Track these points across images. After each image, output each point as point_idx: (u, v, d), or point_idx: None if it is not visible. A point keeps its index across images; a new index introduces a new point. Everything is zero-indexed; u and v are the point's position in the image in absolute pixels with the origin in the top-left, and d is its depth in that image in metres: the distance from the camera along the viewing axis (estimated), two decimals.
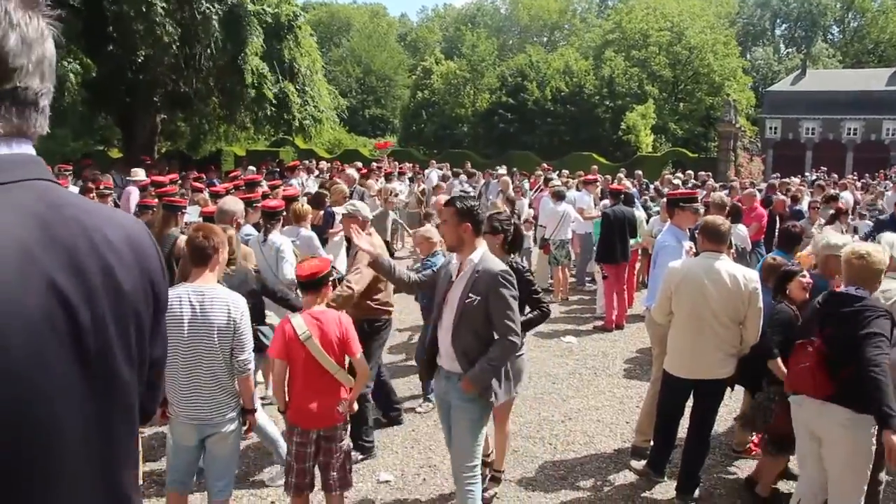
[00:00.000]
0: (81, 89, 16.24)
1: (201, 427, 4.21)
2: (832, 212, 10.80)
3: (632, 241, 10.54)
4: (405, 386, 7.73)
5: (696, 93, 52.69)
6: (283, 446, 5.14)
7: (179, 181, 13.60)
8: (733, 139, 36.82)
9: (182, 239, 6.15)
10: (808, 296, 5.18)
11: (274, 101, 21.80)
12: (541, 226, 12.57)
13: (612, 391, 7.86)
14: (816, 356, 4.20)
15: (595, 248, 10.99)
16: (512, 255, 5.37)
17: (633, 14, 54.65)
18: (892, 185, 22.16)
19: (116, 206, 12.55)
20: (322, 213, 9.48)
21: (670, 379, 5.44)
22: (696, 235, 5.71)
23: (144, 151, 21.91)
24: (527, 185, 17.10)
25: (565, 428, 6.82)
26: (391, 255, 10.67)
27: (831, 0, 72.91)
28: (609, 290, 10.40)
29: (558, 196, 12.12)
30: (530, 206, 13.96)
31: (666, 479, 5.69)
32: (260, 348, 5.08)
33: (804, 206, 13.08)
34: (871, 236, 8.84)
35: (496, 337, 4.25)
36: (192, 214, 8.89)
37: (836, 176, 27.06)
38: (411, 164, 26.34)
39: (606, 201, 11.55)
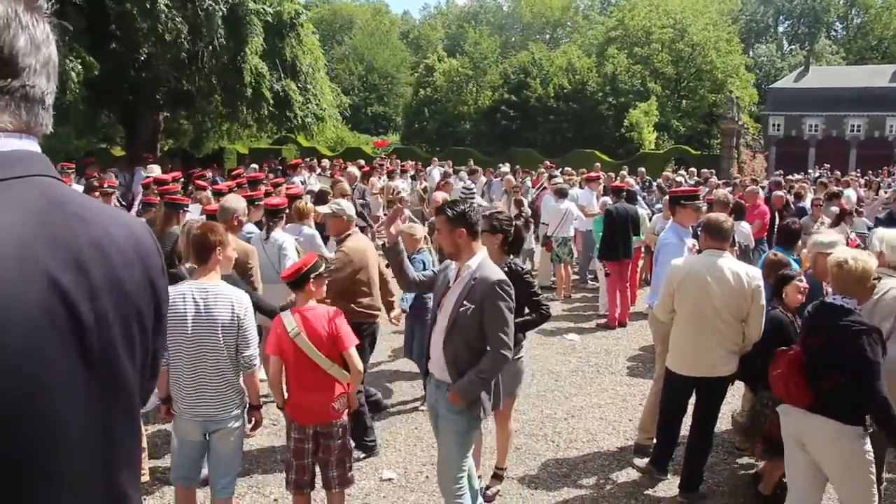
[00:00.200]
0: (83, 87, 16.24)
1: (206, 423, 4.24)
2: (837, 212, 10.77)
3: (634, 239, 10.53)
4: (408, 385, 7.73)
5: (698, 90, 52.62)
6: None
7: (183, 179, 13.60)
8: (736, 136, 36.76)
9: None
10: (804, 300, 5.17)
11: (271, 101, 21.79)
12: (543, 223, 12.56)
13: (615, 389, 7.86)
14: (790, 364, 4.14)
15: (598, 245, 10.97)
16: (511, 256, 5.22)
17: (635, 11, 54.58)
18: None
19: (120, 204, 12.59)
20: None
21: (673, 377, 5.44)
22: (699, 233, 5.71)
23: (147, 149, 21.94)
24: (529, 183, 17.10)
25: (568, 425, 6.82)
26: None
27: None
28: (612, 288, 10.39)
29: (561, 193, 12.11)
30: (533, 203, 13.92)
31: (669, 476, 5.69)
32: None
33: (807, 203, 13.06)
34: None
35: (488, 349, 4.08)
36: (193, 212, 8.90)
37: (838, 173, 27.01)
38: (413, 162, 26.34)
39: (607, 198, 11.53)
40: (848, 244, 5.90)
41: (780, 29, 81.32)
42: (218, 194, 9.30)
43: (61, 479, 1.14)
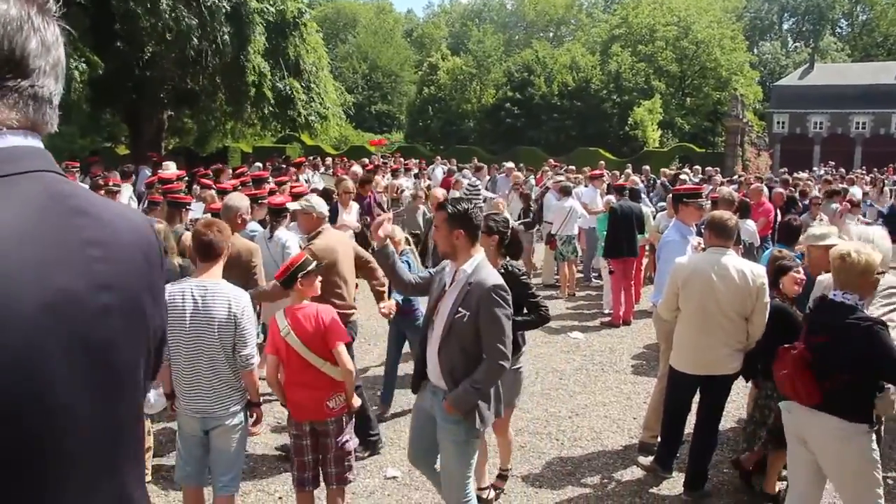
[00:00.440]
0: (88, 86, 16.28)
1: (204, 419, 4.26)
2: (838, 209, 10.75)
3: (639, 237, 10.52)
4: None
5: (703, 88, 52.53)
6: None
7: (187, 178, 13.62)
8: (740, 134, 36.72)
9: (187, 235, 6.16)
10: (800, 291, 5.21)
11: (273, 100, 21.80)
12: (546, 222, 12.57)
13: (620, 387, 7.85)
14: (796, 362, 4.03)
15: (602, 243, 10.97)
16: (507, 258, 5.11)
17: (639, 9, 54.49)
18: None
19: (139, 200, 12.60)
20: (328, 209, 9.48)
21: (676, 375, 5.43)
22: (703, 231, 5.70)
23: (151, 148, 21.98)
24: (532, 181, 17.07)
25: (572, 424, 6.82)
26: (424, 249, 10.63)
27: None
28: (616, 286, 10.38)
29: (565, 191, 12.13)
30: (536, 202, 13.90)
31: (674, 474, 5.68)
32: None
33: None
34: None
35: (484, 358, 3.90)
36: (197, 211, 8.91)
37: (843, 170, 26.95)
38: (417, 160, 26.34)
39: (611, 197, 11.54)
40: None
41: (785, 26, 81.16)
42: (222, 193, 9.31)
43: (69, 474, 1.14)
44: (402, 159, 24.45)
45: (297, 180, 13.83)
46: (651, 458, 5.88)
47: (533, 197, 13.78)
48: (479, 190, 16.16)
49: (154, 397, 4.78)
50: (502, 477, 5.49)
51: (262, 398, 4.63)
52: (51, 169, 1.21)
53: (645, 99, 45.79)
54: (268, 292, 5.49)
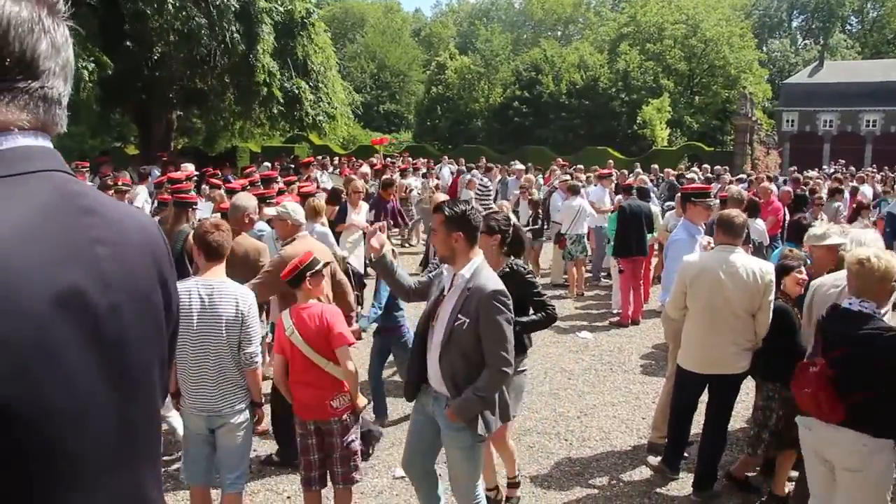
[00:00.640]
0: (97, 86, 16.35)
1: (209, 418, 4.28)
2: (846, 208, 10.72)
3: (648, 236, 10.49)
4: None
5: (711, 86, 52.32)
6: None
7: (196, 177, 13.66)
8: (749, 132, 36.59)
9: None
10: (802, 291, 5.15)
11: (282, 100, 21.84)
12: (554, 222, 12.55)
13: (628, 387, 7.83)
14: (819, 380, 3.81)
15: (612, 242, 10.95)
16: (511, 258, 5.02)
17: (647, 7, 54.30)
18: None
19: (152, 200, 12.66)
20: (337, 208, 9.51)
21: (683, 374, 5.42)
22: (714, 229, 5.69)
23: (161, 148, 22.08)
24: (541, 181, 17.05)
25: (581, 424, 6.81)
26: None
27: None
28: (625, 286, 10.35)
29: (573, 190, 12.12)
30: (544, 202, 13.87)
31: (683, 474, 5.67)
32: None
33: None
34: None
35: (487, 364, 3.83)
36: (206, 210, 8.93)
37: (853, 169, 26.82)
38: (425, 160, 26.34)
39: (622, 196, 11.53)
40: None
41: (794, 24, 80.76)
42: (231, 193, 9.33)
43: (80, 471, 1.15)
44: (409, 159, 24.45)
45: (308, 179, 13.87)
46: (659, 459, 5.87)
47: (541, 197, 13.73)
48: (490, 191, 16.19)
49: None
50: (513, 485, 5.38)
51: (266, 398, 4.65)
52: (60, 168, 1.22)
53: (653, 97, 45.63)
54: (263, 284, 5.38)
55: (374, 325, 6.67)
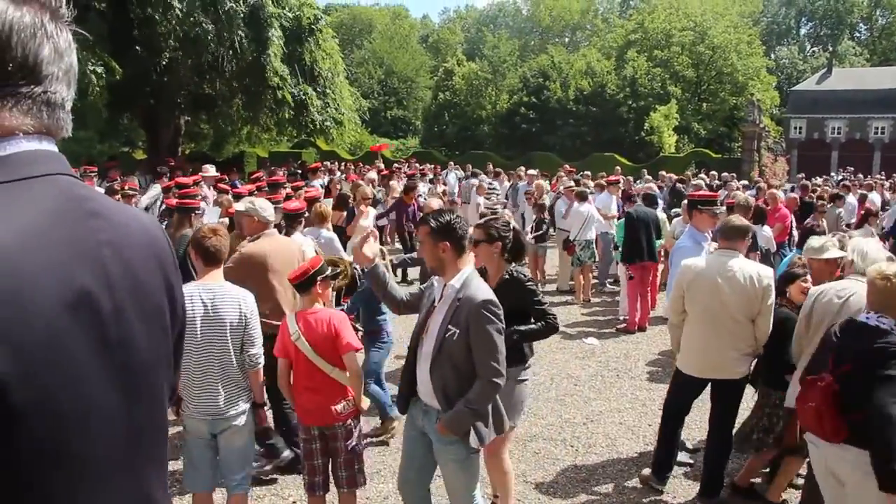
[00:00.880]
0: (105, 91, 16.42)
1: (214, 422, 4.28)
2: (842, 213, 10.73)
3: (657, 242, 10.47)
4: None
5: (719, 93, 52.32)
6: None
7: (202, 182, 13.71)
8: (757, 139, 36.49)
9: None
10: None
11: (292, 105, 21.89)
12: (559, 229, 12.54)
13: (635, 393, 7.81)
14: (823, 396, 3.69)
15: (620, 248, 10.92)
16: (513, 264, 4.90)
17: (655, 14, 54.38)
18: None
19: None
20: (345, 213, 9.53)
21: (682, 377, 5.42)
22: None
23: (168, 153, 22.17)
24: (547, 187, 17.03)
25: (587, 430, 6.79)
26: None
27: None
28: (633, 292, 10.33)
29: (582, 197, 12.14)
30: (550, 208, 13.84)
31: (689, 482, 5.64)
32: None
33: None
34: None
35: (478, 375, 3.73)
36: (214, 215, 8.95)
37: (861, 176, 26.73)
38: (432, 165, 26.38)
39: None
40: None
41: (803, 31, 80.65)
42: (238, 198, 9.35)
43: (85, 473, 1.16)
44: (416, 164, 24.49)
45: (335, 180, 13.90)
46: (683, 464, 5.85)
47: (547, 203, 13.70)
48: (497, 193, 16.24)
49: None
50: None
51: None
52: (65, 172, 1.23)
53: (661, 104, 45.65)
54: (232, 268, 5.17)
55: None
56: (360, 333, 6.25)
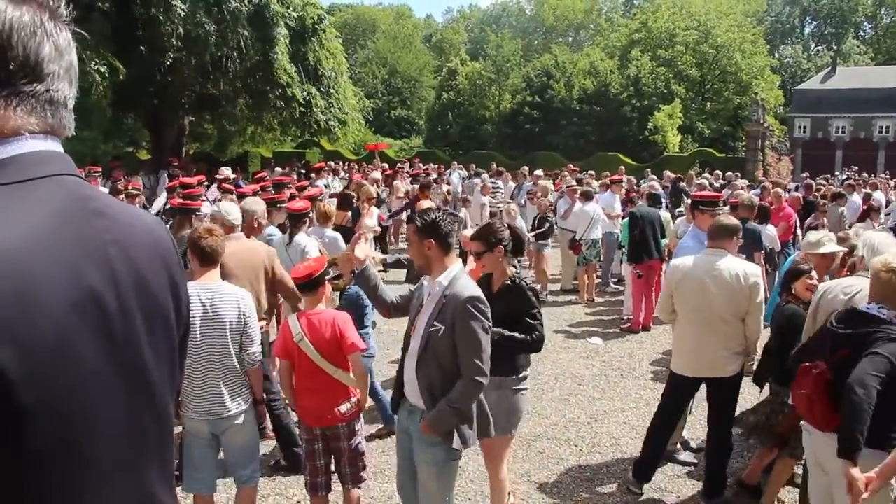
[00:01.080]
0: (110, 91, 16.45)
1: (216, 422, 4.28)
2: (844, 212, 10.72)
3: (663, 241, 10.45)
4: None
5: (723, 92, 52.21)
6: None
7: (207, 182, 13.76)
8: (761, 138, 36.45)
9: None
10: (812, 296, 4.99)
11: (301, 101, 21.90)
12: (562, 229, 12.53)
13: (639, 393, 7.80)
14: (816, 383, 3.71)
15: (625, 248, 10.92)
16: (517, 263, 4.81)
17: (659, 13, 54.27)
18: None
19: (145, 207, 12.73)
20: (349, 213, 9.53)
21: (675, 377, 5.43)
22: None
23: (172, 153, 22.20)
24: (551, 186, 17.03)
25: (591, 430, 6.79)
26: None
27: None
28: (637, 292, 10.31)
29: (587, 196, 12.15)
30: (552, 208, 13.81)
31: (692, 481, 5.63)
32: None
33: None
34: None
35: (462, 373, 3.69)
36: None
37: (866, 175, 26.68)
38: (436, 165, 26.39)
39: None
40: None
41: (807, 30, 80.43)
42: (242, 198, 9.36)
43: (88, 473, 1.17)
44: (420, 164, 24.50)
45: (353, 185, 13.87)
46: (681, 463, 5.85)
47: (550, 202, 13.68)
48: (501, 191, 16.26)
49: None
50: None
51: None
52: (71, 172, 1.24)
53: (665, 103, 45.56)
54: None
55: None
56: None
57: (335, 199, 10.31)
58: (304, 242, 6.81)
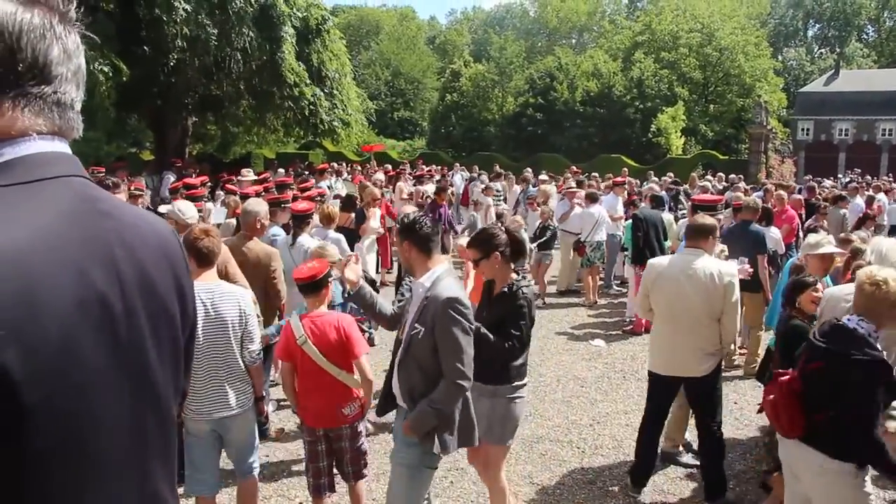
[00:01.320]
0: (114, 92, 16.47)
1: (219, 421, 4.30)
2: (846, 215, 10.72)
3: (666, 243, 10.45)
4: None
5: (726, 94, 52.18)
6: None
7: (210, 183, 13.78)
8: (764, 141, 36.36)
9: None
10: (816, 309, 4.90)
11: (309, 100, 21.91)
12: (562, 230, 12.51)
13: (641, 395, 7.73)
14: (782, 391, 3.70)
15: (629, 250, 10.91)
16: (518, 275, 4.64)
17: (662, 16, 54.27)
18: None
19: (148, 209, 12.75)
20: (353, 215, 9.54)
21: (653, 377, 5.46)
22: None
23: (175, 154, 22.19)
24: (554, 189, 17.03)
25: (593, 432, 6.78)
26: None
27: None
28: None
29: (592, 198, 12.16)
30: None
31: (696, 482, 5.62)
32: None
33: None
34: None
35: (444, 375, 3.64)
36: (220, 216, 8.97)
37: (869, 178, 26.64)
38: (439, 167, 26.41)
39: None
40: None
41: (810, 32, 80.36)
42: (245, 198, 9.38)
43: (92, 472, 1.17)
44: (423, 166, 24.52)
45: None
46: (689, 466, 5.85)
47: (551, 209, 13.64)
48: (500, 195, 16.25)
49: None
50: None
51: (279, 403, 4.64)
52: (78, 173, 1.25)
53: (668, 106, 45.55)
54: None
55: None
56: (367, 335, 6.27)
57: (338, 201, 10.33)
58: (307, 244, 6.82)
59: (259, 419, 4.66)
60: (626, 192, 13.98)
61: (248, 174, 14.42)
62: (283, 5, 20.28)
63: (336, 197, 12.69)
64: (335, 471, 4.63)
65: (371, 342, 6.14)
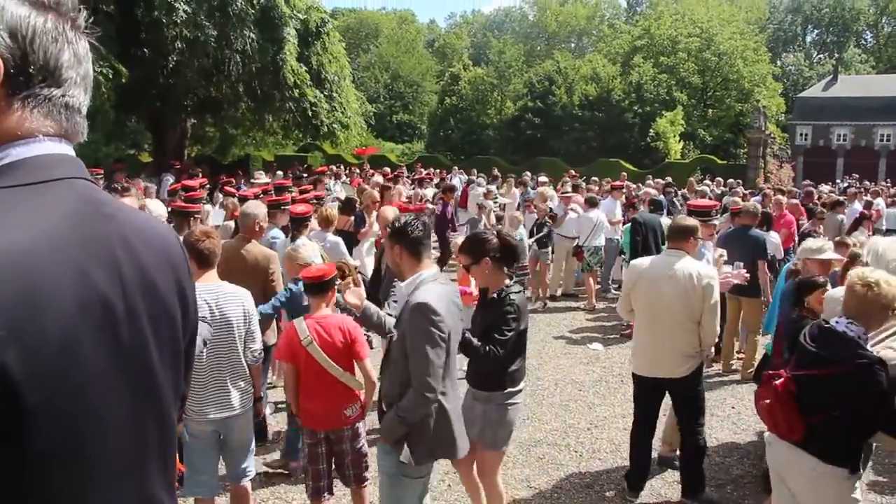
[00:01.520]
0: (113, 94, 16.46)
1: (223, 421, 4.31)
2: (844, 220, 10.75)
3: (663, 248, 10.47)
4: None
5: (725, 99, 52.27)
6: None
7: (209, 185, 13.77)
8: (763, 146, 36.45)
9: None
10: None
11: (312, 100, 21.92)
12: (558, 235, 12.51)
13: None
14: (778, 395, 3.64)
15: (627, 254, 10.92)
16: (511, 279, 4.52)
17: (661, 20, 54.35)
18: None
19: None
20: (352, 218, 9.54)
21: (636, 379, 5.48)
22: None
23: (174, 156, 22.20)
24: (552, 192, 17.03)
25: (591, 436, 6.78)
26: None
27: (864, 4, 71.78)
28: None
29: (591, 203, 12.16)
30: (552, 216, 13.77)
31: (708, 489, 5.57)
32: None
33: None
34: None
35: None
36: (219, 218, 8.97)
37: (868, 183, 26.68)
38: (438, 170, 26.42)
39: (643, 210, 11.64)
40: None
41: (809, 38, 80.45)
42: (244, 201, 9.38)
43: (93, 474, 1.17)
44: (422, 169, 24.53)
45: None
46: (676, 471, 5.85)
47: (550, 209, 13.64)
48: (495, 197, 16.25)
49: None
50: None
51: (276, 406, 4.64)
52: (82, 176, 1.26)
53: (667, 110, 45.59)
54: None
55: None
56: (367, 337, 6.26)
57: (337, 203, 10.33)
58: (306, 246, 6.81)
59: (256, 420, 4.67)
60: (624, 197, 13.99)
61: (261, 176, 14.47)
62: (285, 6, 20.29)
63: (335, 199, 12.70)
64: (335, 475, 4.62)
65: (369, 345, 6.14)
